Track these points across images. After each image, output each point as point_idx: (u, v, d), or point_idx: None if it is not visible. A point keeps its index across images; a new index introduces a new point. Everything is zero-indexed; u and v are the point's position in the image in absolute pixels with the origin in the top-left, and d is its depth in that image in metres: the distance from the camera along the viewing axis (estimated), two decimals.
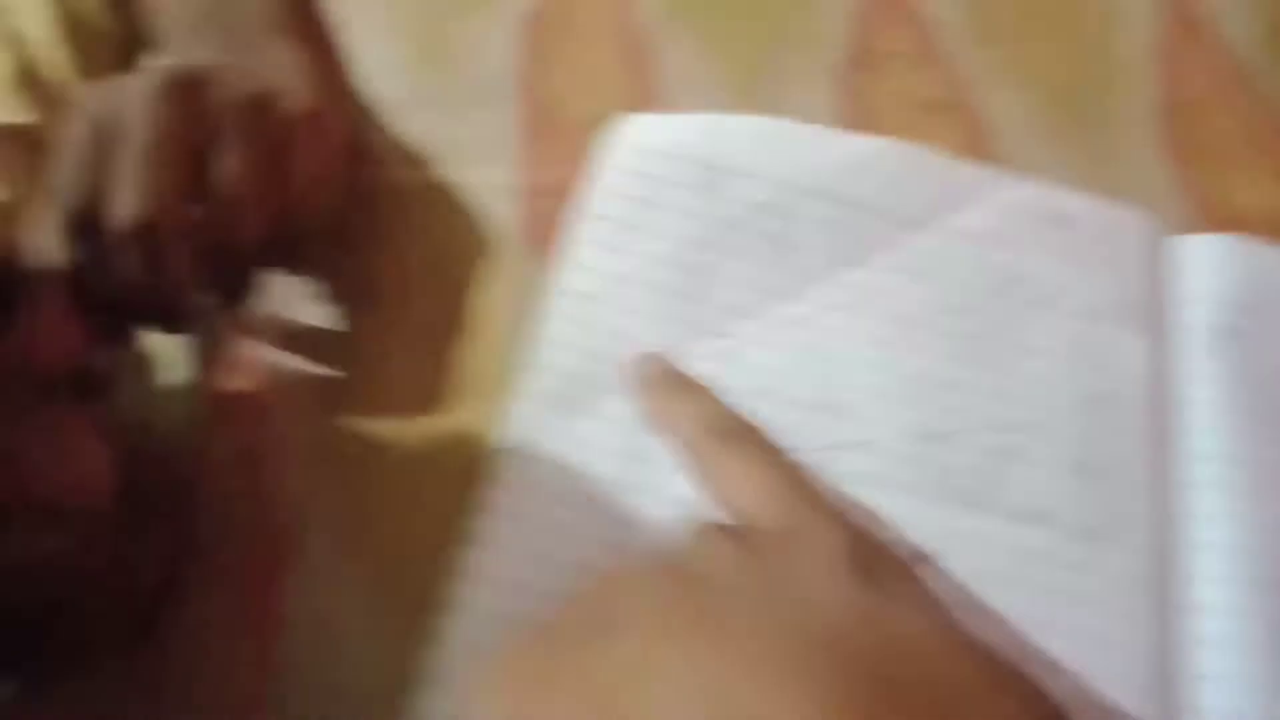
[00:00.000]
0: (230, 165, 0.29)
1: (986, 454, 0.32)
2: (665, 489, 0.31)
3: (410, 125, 0.39)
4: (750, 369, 0.34)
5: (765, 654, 0.22)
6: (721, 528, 0.27)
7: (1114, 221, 0.37)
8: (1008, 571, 0.31)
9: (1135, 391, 0.34)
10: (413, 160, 0.38)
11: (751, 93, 0.42)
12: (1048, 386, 0.34)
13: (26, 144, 0.33)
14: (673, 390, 0.33)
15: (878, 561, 0.25)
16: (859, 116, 0.41)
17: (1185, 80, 0.42)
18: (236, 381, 0.33)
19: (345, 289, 0.35)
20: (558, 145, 0.39)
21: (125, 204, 0.27)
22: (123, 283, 0.28)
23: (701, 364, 0.33)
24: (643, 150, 0.37)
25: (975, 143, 0.40)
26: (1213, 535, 0.31)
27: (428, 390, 0.34)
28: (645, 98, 0.41)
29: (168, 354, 0.33)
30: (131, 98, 0.28)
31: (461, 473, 0.32)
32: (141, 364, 0.34)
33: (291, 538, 0.31)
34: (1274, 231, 0.38)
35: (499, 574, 0.30)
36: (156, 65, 0.31)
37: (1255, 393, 0.33)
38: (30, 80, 0.34)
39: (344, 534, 0.31)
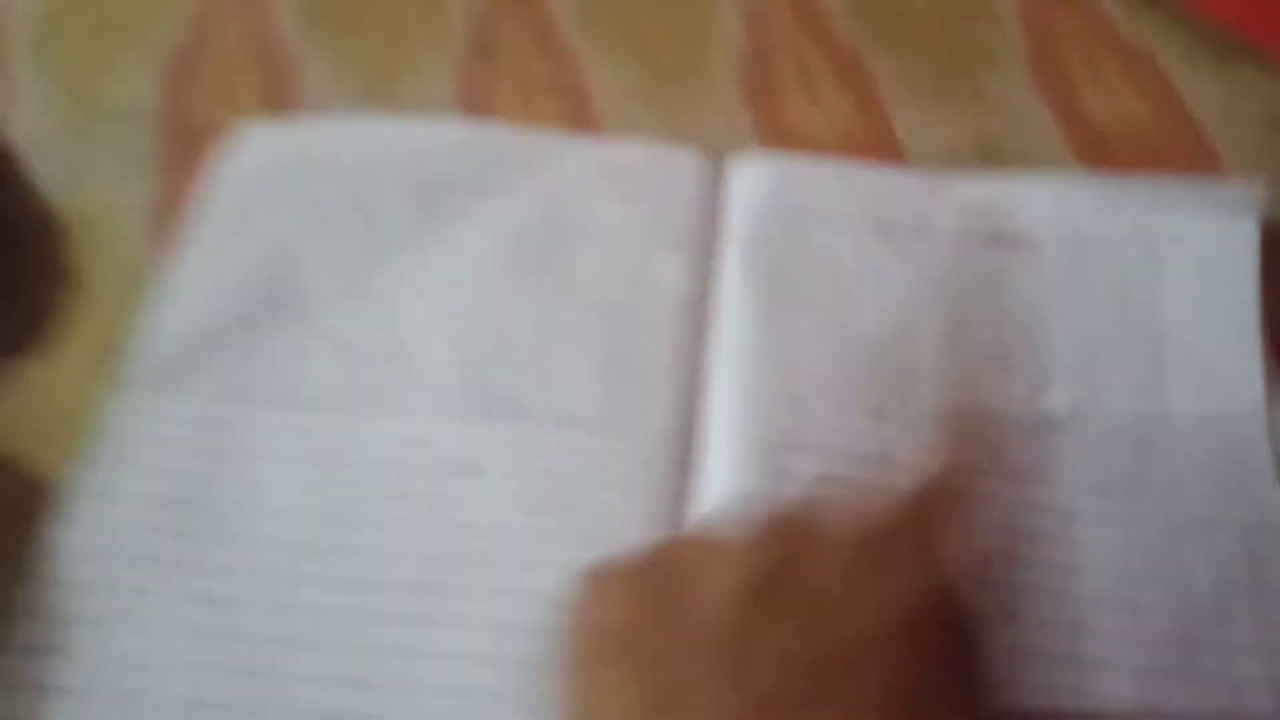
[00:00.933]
0: None
1: (524, 371, 0.37)
2: (247, 472, 0.36)
3: (54, 155, 0.44)
4: (326, 331, 0.38)
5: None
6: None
7: (670, 162, 0.42)
8: (542, 470, 0.35)
9: (671, 301, 0.39)
10: (56, 188, 0.43)
11: (382, 92, 0.47)
12: (586, 306, 0.39)
13: None
14: None
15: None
16: (479, 104, 0.46)
17: (764, 32, 0.48)
18: None
19: None
20: (198, 165, 0.43)
21: None
22: None
23: (282, 335, 0.38)
24: (248, 156, 0.43)
25: (581, 116, 0.46)
26: (729, 405, 0.36)
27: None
28: (282, 109, 0.46)
29: None
30: None
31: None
32: None
33: None
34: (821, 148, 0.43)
35: (86, 545, 0.34)
36: None
37: (775, 286, 0.39)
38: None
39: None
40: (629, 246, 0.40)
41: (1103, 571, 0.32)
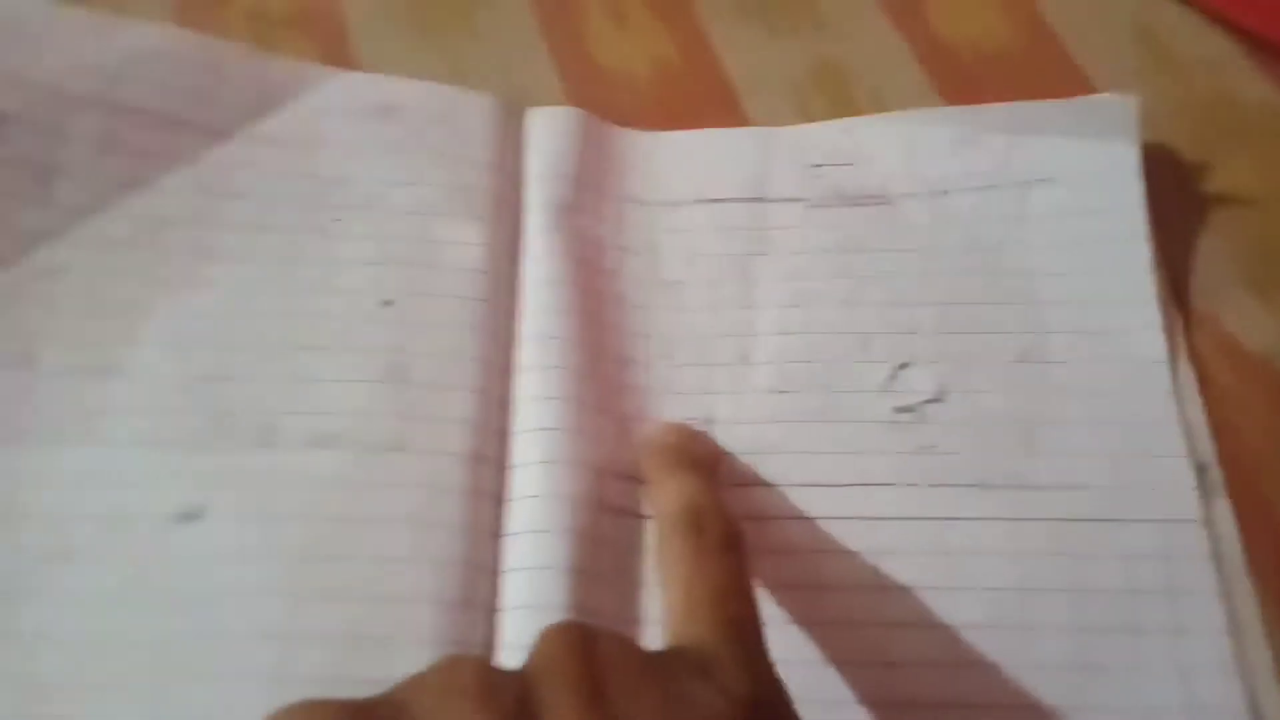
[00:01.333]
0: None
1: (272, 384, 0.29)
2: None
3: None
4: (2, 334, 0.29)
5: None
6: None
7: (451, 106, 0.34)
8: (290, 510, 0.27)
9: (463, 285, 0.30)
10: None
11: None
12: (362, 296, 0.30)
13: None
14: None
15: None
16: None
17: None
18: None
19: None
20: None
21: None
22: None
23: None
24: None
25: (334, 52, 0.36)
26: (534, 419, 0.28)
27: None
28: None
29: None
30: None
31: None
32: None
33: None
34: (630, 91, 0.36)
35: None
36: None
37: (582, 267, 0.31)
38: None
39: None
40: (408, 215, 0.32)
41: (986, 588, 0.26)
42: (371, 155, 0.32)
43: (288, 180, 0.32)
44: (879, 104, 0.35)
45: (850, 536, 0.27)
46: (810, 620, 0.26)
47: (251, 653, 0.25)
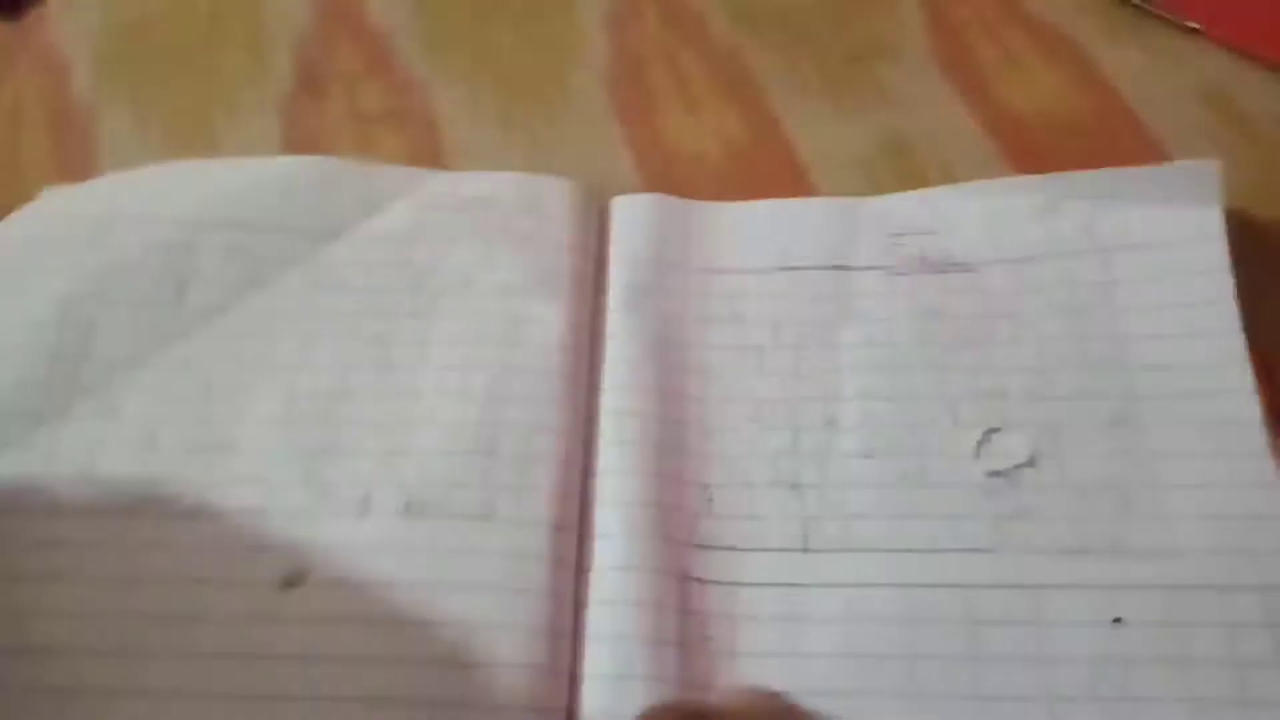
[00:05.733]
0: None
1: (377, 458, 0.30)
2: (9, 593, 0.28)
3: None
4: (132, 421, 0.31)
5: None
6: None
7: (535, 193, 0.35)
8: (397, 574, 0.28)
9: (548, 360, 0.32)
10: None
11: (197, 141, 0.40)
12: (452, 373, 0.32)
13: None
14: None
15: None
16: (305, 141, 0.39)
17: (631, 41, 0.42)
18: None
19: None
20: None
21: None
22: None
23: (82, 424, 0.31)
24: (33, 220, 0.35)
25: (425, 146, 0.39)
26: (614, 492, 0.29)
27: None
28: (81, 173, 0.39)
29: None
30: None
31: None
32: None
33: None
34: (702, 169, 0.37)
35: None
36: None
37: (665, 343, 0.32)
38: None
39: None
40: (495, 297, 0.33)
41: (1082, 659, 0.26)
42: (463, 244, 0.34)
43: (387, 271, 0.34)
44: (949, 176, 0.36)
45: (944, 604, 0.27)
46: (904, 693, 0.26)
47: (345, 713, 0.26)
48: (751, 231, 0.35)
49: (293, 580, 0.28)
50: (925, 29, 0.41)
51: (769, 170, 0.37)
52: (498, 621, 0.27)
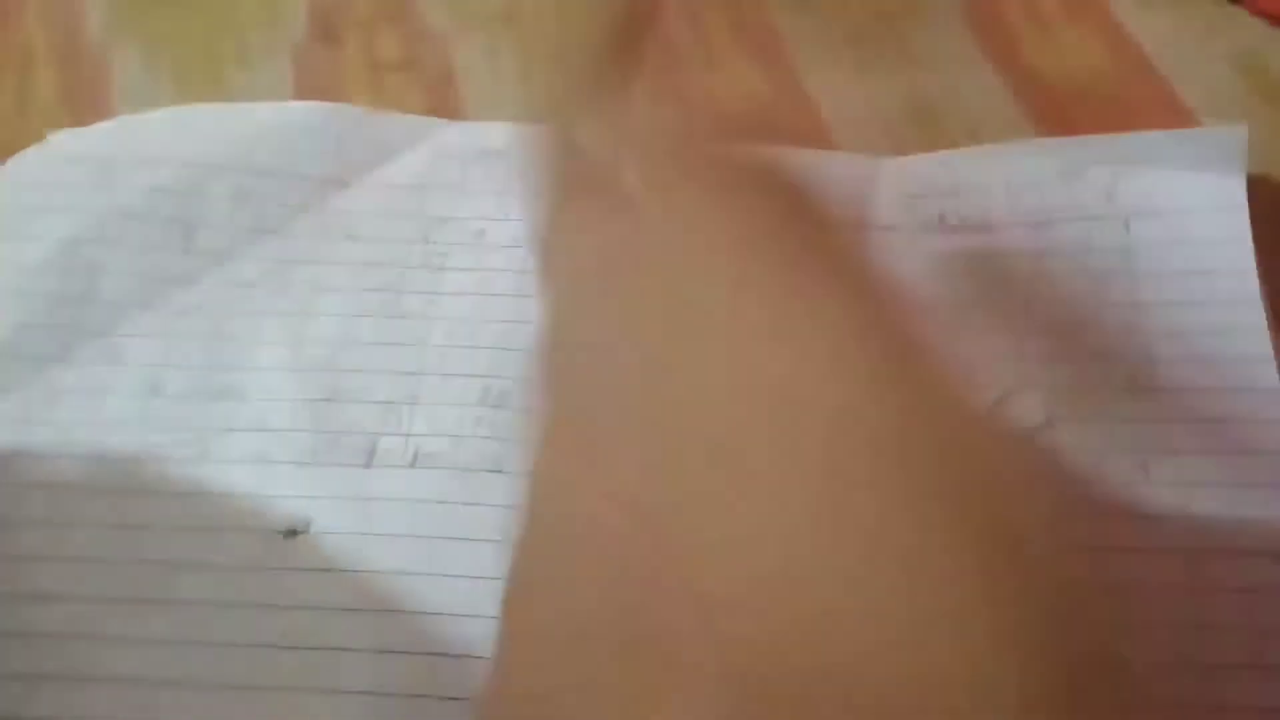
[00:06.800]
0: None
1: (385, 408, 0.30)
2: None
3: None
4: (136, 366, 0.31)
5: None
6: None
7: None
8: (402, 524, 0.28)
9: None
10: None
11: (208, 86, 0.39)
12: (462, 324, 0.31)
13: None
14: None
15: None
16: (319, 89, 0.39)
17: None
18: None
19: None
20: None
21: None
22: None
23: (85, 369, 0.31)
24: (38, 162, 0.35)
25: (442, 97, 0.38)
26: None
27: None
28: (89, 113, 0.38)
29: None
30: None
31: None
32: None
33: None
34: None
35: None
36: None
37: None
38: None
39: None
40: (504, 249, 0.33)
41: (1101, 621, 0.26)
42: (476, 195, 0.34)
43: (398, 220, 0.34)
44: (974, 138, 0.35)
45: None
46: None
47: (347, 664, 0.26)
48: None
49: (294, 529, 0.28)
50: None
51: (790, 128, 0.36)
52: (502, 574, 0.27)
